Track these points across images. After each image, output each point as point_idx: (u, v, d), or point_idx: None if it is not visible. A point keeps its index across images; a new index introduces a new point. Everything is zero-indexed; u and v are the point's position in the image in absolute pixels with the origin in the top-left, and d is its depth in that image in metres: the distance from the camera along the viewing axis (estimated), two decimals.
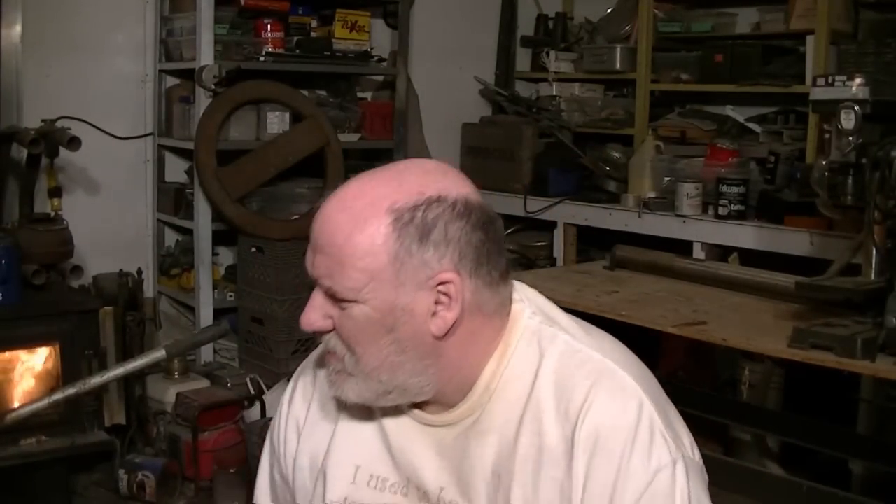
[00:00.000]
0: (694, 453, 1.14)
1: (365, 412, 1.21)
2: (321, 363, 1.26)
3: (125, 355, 3.20)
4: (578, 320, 1.22)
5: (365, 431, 1.21)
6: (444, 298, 1.09)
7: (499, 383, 1.15)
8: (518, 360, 1.15)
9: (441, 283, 1.09)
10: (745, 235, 3.50)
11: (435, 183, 1.10)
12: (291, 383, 1.34)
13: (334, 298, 1.10)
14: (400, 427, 1.19)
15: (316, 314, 1.13)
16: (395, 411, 1.19)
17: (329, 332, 1.13)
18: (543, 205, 4.18)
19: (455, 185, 1.12)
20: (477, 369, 1.15)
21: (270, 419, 3.32)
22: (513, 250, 4.35)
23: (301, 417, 1.29)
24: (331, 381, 1.16)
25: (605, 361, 1.13)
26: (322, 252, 1.10)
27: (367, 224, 1.08)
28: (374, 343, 1.10)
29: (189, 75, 3.74)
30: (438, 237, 1.08)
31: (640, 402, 1.10)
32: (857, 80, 2.31)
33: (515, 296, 1.19)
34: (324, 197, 1.14)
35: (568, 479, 1.08)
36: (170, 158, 4.03)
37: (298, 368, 1.36)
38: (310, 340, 3.69)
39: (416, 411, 1.18)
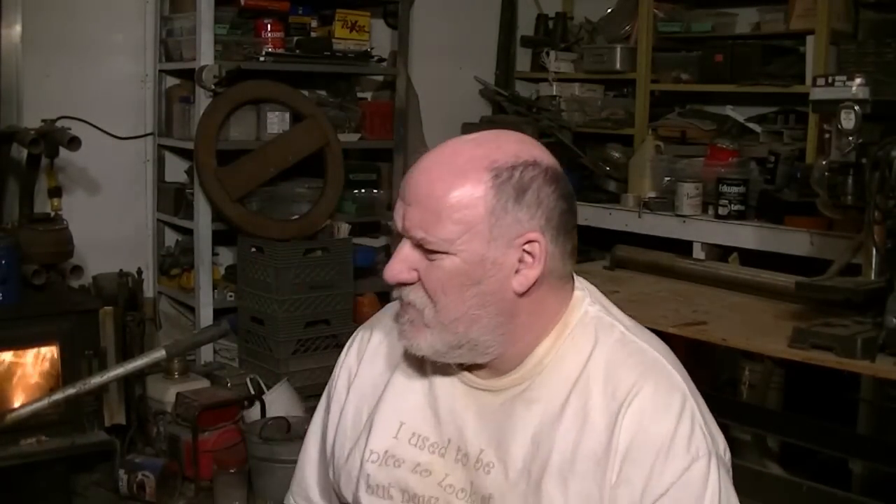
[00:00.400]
0: (726, 455, 1.20)
1: (417, 370, 1.26)
2: (380, 320, 1.35)
3: (125, 355, 3.20)
4: (631, 318, 1.28)
5: (414, 389, 1.26)
6: (527, 257, 1.15)
7: (552, 359, 1.20)
8: (574, 341, 1.20)
9: (528, 242, 1.14)
10: (745, 235, 3.50)
11: (529, 149, 1.17)
12: (350, 340, 1.38)
13: (424, 250, 1.14)
14: (448, 388, 1.23)
15: (401, 266, 1.16)
16: (445, 372, 1.24)
17: (411, 284, 1.17)
18: None
19: (545, 154, 1.19)
20: (535, 341, 1.20)
21: (271, 419, 3.34)
22: None
23: (353, 370, 1.34)
24: (403, 331, 1.20)
25: (656, 355, 1.19)
26: (417, 204, 1.13)
27: (468, 178, 1.12)
28: (458, 294, 1.14)
29: (189, 75, 3.74)
30: (531, 198, 1.14)
31: (685, 396, 1.16)
32: (857, 80, 2.31)
33: (577, 283, 1.25)
34: (416, 157, 1.19)
35: (606, 454, 1.13)
36: (170, 158, 4.03)
37: (360, 327, 1.40)
38: (309, 340, 3.69)
39: (466, 374, 1.23)
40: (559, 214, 1.17)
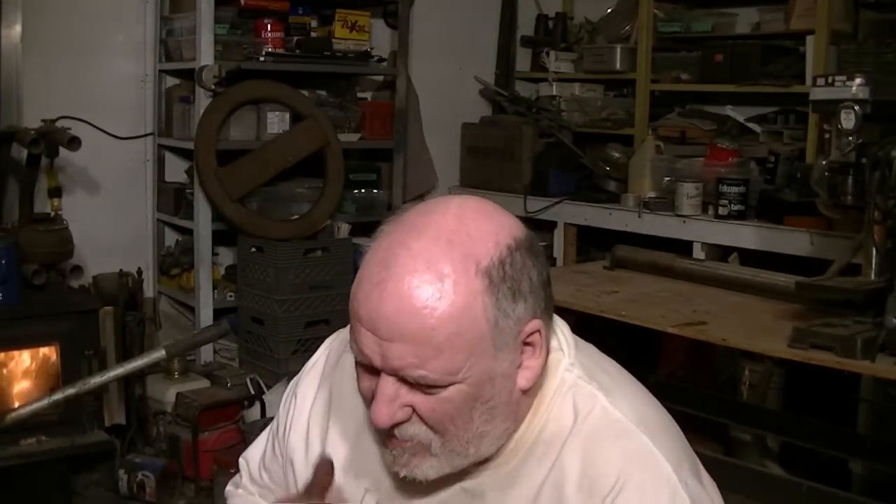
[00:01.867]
0: None
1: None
2: (340, 375, 1.20)
3: (125, 355, 3.20)
4: (610, 364, 1.15)
5: (381, 458, 1.11)
6: (528, 349, 1.02)
7: (531, 440, 1.06)
8: (552, 418, 1.06)
9: (529, 335, 1.01)
10: (745, 235, 3.50)
11: (500, 227, 1.00)
12: (310, 388, 1.24)
13: (420, 386, 0.97)
14: None
15: (392, 408, 0.99)
16: None
17: (404, 422, 1.00)
18: (543, 205, 4.18)
19: (512, 222, 1.03)
20: (521, 420, 1.06)
21: (271, 419, 3.33)
22: None
23: (321, 425, 1.20)
24: (401, 463, 1.03)
25: (642, 438, 1.03)
26: (404, 341, 0.95)
27: (459, 294, 0.95)
28: (468, 418, 0.99)
29: (189, 75, 3.74)
30: (526, 288, 0.99)
31: (675, 490, 1.01)
32: (857, 80, 2.31)
33: (552, 342, 1.09)
34: (373, 267, 0.97)
35: None
36: (170, 158, 4.03)
37: (315, 371, 1.25)
38: (309, 340, 3.69)
39: None
40: (545, 286, 1.02)
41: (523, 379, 1.02)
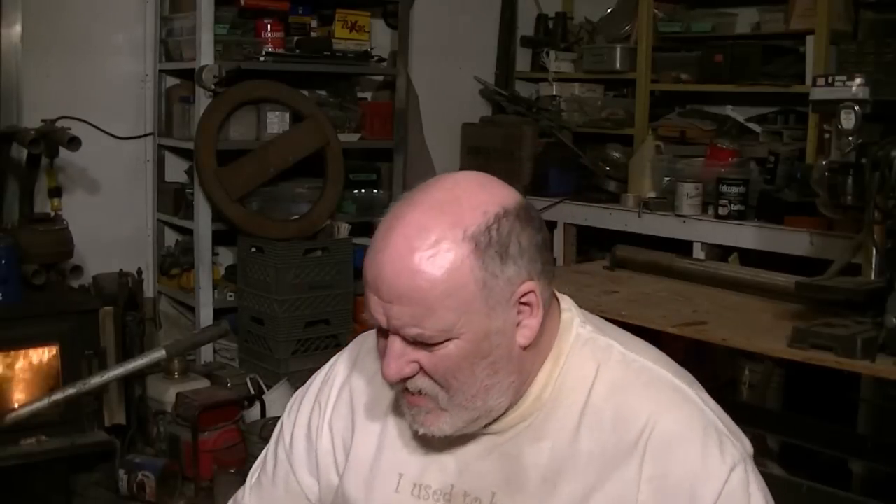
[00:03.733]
0: (748, 446, 1.16)
1: None
2: (355, 363, 1.27)
3: (125, 355, 3.19)
4: (616, 327, 1.24)
5: (409, 437, 1.19)
6: (525, 308, 1.09)
7: (552, 391, 1.14)
8: (573, 369, 1.15)
9: (524, 295, 1.08)
10: (745, 235, 3.50)
11: (492, 194, 1.09)
12: (326, 385, 1.29)
13: (422, 343, 1.06)
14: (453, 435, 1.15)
15: (400, 363, 1.08)
16: None
17: (411, 377, 1.09)
18: (543, 205, 4.18)
19: (506, 192, 1.11)
20: (532, 375, 1.14)
21: (270, 419, 3.34)
22: None
23: (345, 427, 1.25)
24: (419, 421, 1.12)
25: (662, 371, 1.15)
26: (401, 302, 1.04)
27: (448, 258, 1.03)
28: (470, 373, 1.08)
29: (189, 75, 3.74)
30: (515, 251, 1.07)
31: (702, 410, 1.13)
32: (857, 80, 2.30)
33: (563, 304, 1.19)
34: (377, 236, 1.07)
35: (635, 483, 1.09)
36: (170, 158, 4.03)
37: (326, 373, 1.31)
38: (309, 340, 3.70)
39: None
40: (540, 248, 1.10)
41: (522, 337, 1.10)
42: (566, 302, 1.21)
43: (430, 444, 1.17)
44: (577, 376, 1.14)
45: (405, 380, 1.09)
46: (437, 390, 1.09)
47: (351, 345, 1.33)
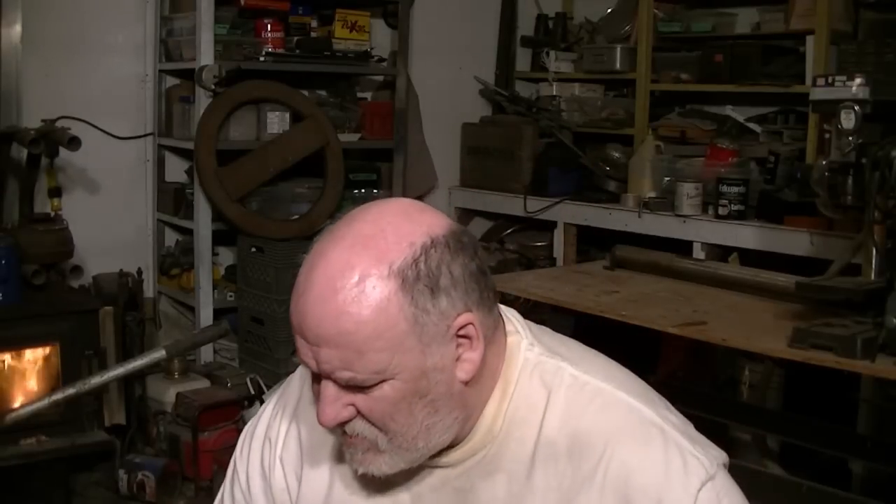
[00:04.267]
0: (721, 456, 1.11)
1: None
2: (294, 410, 1.22)
3: (125, 355, 3.20)
4: (567, 340, 1.18)
5: (362, 482, 1.13)
6: (465, 341, 1.04)
7: (504, 422, 1.09)
8: (522, 397, 1.09)
9: (461, 328, 1.02)
10: (745, 235, 3.50)
11: (417, 226, 1.02)
12: (275, 420, 1.25)
13: (356, 387, 1.01)
14: (400, 471, 1.10)
15: (336, 408, 1.03)
16: None
17: (348, 420, 1.04)
18: (543, 205, 4.18)
19: (434, 219, 1.04)
20: (479, 408, 1.09)
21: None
22: (513, 250, 4.36)
23: (296, 463, 1.21)
24: (357, 461, 1.07)
25: (615, 392, 1.09)
26: (329, 345, 0.99)
27: (373, 297, 0.98)
28: (409, 414, 1.02)
29: (189, 75, 3.74)
30: (446, 283, 1.01)
31: (662, 430, 1.06)
32: (857, 80, 2.30)
33: (508, 326, 1.13)
34: (300, 277, 1.03)
35: None
36: (170, 158, 4.03)
37: (273, 407, 1.26)
38: None
39: None
40: (476, 277, 1.03)
41: (462, 372, 1.04)
42: (512, 322, 1.14)
43: (386, 485, 1.12)
44: (528, 405, 1.08)
45: (343, 424, 1.04)
46: (375, 433, 1.04)
47: (293, 378, 1.28)
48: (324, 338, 0.99)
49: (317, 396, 1.05)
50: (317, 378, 1.04)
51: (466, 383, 1.05)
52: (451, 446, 1.09)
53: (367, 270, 0.98)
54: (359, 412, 1.03)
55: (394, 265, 0.99)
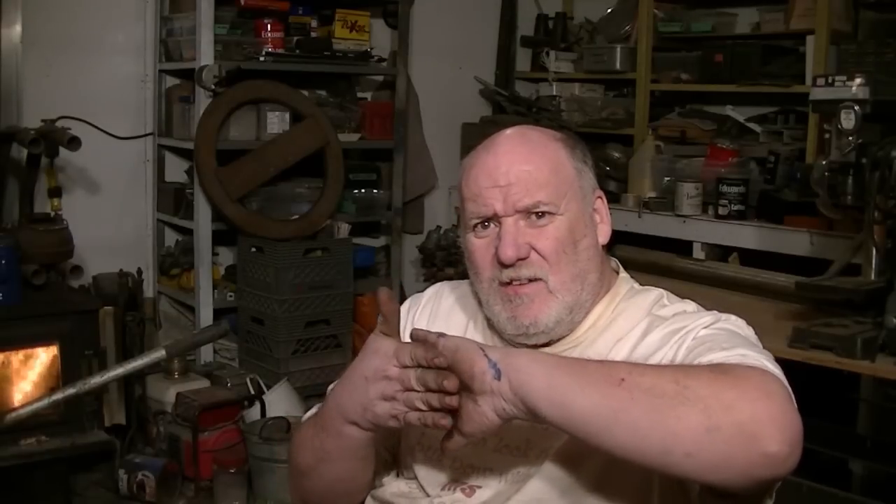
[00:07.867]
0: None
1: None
2: (434, 295, 1.44)
3: (125, 355, 3.20)
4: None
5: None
6: (596, 215, 1.31)
7: (603, 323, 1.29)
8: (625, 309, 1.30)
9: (597, 199, 1.32)
10: (745, 235, 3.50)
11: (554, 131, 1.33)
12: (415, 306, 1.45)
13: (531, 219, 1.24)
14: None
15: (516, 244, 1.23)
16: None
17: (525, 259, 1.24)
18: None
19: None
20: (591, 307, 1.29)
21: (270, 419, 3.34)
22: None
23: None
24: (529, 314, 1.24)
25: (699, 307, 1.32)
26: (519, 178, 1.24)
27: (550, 148, 1.27)
28: (573, 252, 1.25)
29: (189, 75, 3.74)
30: (590, 162, 1.32)
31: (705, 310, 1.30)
32: (857, 80, 2.31)
33: (621, 269, 1.38)
34: (480, 150, 1.30)
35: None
36: (170, 158, 4.03)
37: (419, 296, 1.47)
38: (309, 340, 3.69)
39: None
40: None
41: (602, 234, 1.31)
42: (615, 262, 1.38)
43: None
44: (627, 315, 1.29)
45: (520, 261, 1.23)
46: (545, 271, 1.24)
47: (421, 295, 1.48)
48: (516, 174, 1.24)
49: (487, 257, 1.26)
50: (487, 235, 1.26)
51: (602, 248, 1.30)
52: (554, 340, 1.27)
53: (539, 138, 1.29)
54: (532, 249, 1.24)
55: (556, 136, 1.31)
